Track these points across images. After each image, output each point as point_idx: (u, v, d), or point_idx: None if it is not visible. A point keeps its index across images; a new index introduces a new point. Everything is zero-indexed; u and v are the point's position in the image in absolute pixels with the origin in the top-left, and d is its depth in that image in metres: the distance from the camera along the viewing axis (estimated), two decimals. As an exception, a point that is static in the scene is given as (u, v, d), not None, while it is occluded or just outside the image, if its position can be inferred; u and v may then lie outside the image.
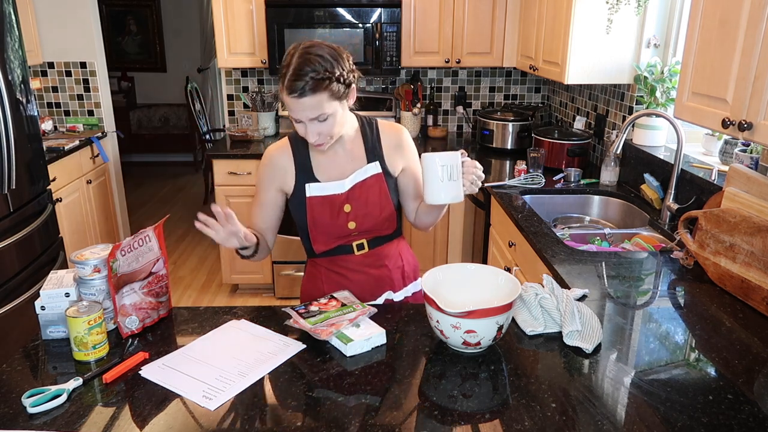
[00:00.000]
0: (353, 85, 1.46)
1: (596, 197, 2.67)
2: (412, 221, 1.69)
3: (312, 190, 1.55)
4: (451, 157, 1.36)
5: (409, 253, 1.75)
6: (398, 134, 1.62)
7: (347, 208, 1.55)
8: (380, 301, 1.66)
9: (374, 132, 1.60)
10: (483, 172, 1.44)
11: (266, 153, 1.59)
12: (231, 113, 4.00)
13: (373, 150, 1.59)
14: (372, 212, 1.57)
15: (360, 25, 3.38)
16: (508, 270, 2.38)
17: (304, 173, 1.56)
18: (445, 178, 1.36)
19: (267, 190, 1.59)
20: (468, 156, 1.42)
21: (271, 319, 1.44)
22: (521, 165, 2.91)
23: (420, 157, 1.40)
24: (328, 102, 1.39)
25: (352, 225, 1.57)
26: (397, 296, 1.69)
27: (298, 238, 1.67)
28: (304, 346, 1.32)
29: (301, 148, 1.57)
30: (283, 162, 1.57)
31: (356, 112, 1.62)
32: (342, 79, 1.40)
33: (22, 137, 2.68)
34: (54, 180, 3.22)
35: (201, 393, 1.15)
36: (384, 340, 1.32)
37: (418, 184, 1.64)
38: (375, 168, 1.58)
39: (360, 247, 1.62)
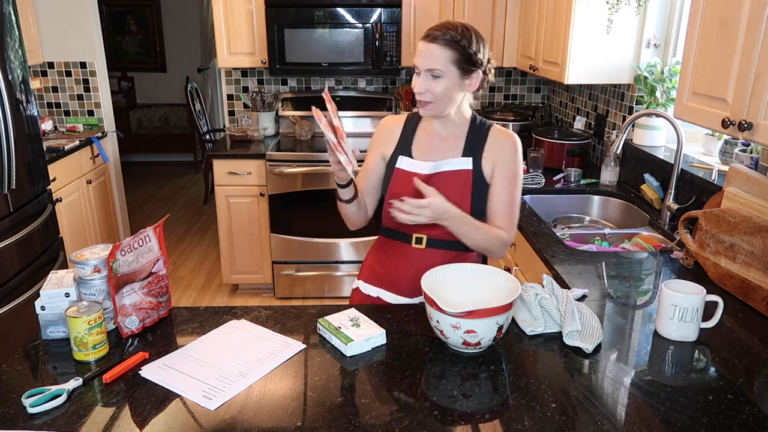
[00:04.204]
0: (480, 73, 1.53)
1: (596, 197, 2.67)
2: None
3: (402, 162, 1.62)
4: (694, 300, 1.34)
5: None
6: (506, 139, 1.60)
7: None
8: (415, 301, 1.63)
9: (483, 133, 1.61)
10: None
11: (383, 119, 1.71)
12: (231, 113, 4.00)
13: (472, 148, 1.59)
14: None
15: (360, 25, 3.38)
16: (508, 270, 2.38)
17: (404, 145, 1.64)
18: (683, 319, 1.35)
19: (373, 154, 1.68)
20: None
21: (271, 319, 1.44)
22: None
23: (661, 288, 1.38)
24: (448, 64, 1.47)
25: None
26: None
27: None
28: (304, 346, 1.32)
29: (411, 124, 1.66)
30: (393, 128, 1.67)
31: (473, 112, 1.65)
32: (471, 57, 1.48)
33: (22, 137, 2.68)
34: (54, 180, 3.22)
35: (201, 393, 1.15)
36: (384, 340, 1.32)
37: (505, 196, 1.59)
38: (466, 163, 1.58)
39: (418, 240, 1.62)
